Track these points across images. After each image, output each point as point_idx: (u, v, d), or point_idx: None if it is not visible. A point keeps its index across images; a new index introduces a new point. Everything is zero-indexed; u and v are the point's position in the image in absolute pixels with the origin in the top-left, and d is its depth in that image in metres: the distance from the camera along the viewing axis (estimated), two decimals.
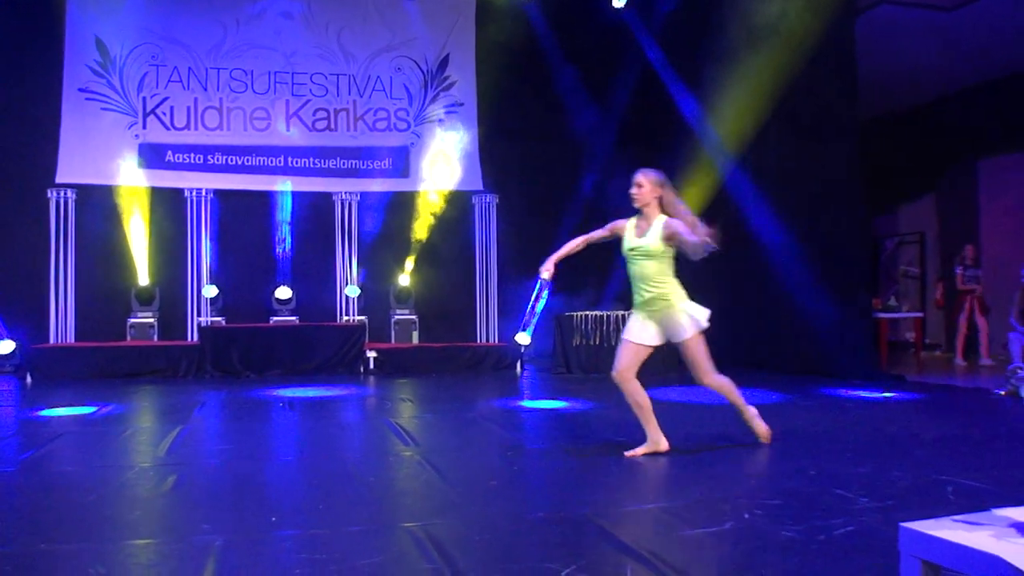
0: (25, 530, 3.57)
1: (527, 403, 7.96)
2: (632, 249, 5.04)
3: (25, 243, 11.64)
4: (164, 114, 12.45)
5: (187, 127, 12.51)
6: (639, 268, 5.04)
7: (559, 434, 6.22)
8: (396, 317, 12.52)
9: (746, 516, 3.57)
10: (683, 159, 11.46)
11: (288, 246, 12.47)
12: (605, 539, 3.30)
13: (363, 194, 12.79)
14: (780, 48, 9.83)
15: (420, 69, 13.28)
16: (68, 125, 12.03)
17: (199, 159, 12.49)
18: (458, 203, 13.06)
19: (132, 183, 12.08)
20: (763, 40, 10.07)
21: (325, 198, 12.70)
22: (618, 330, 10.30)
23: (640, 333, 5.10)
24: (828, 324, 9.53)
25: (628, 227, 5.12)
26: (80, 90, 12.11)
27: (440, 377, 10.52)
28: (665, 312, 5.03)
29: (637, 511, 3.71)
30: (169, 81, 12.50)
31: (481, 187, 13.16)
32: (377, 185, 12.96)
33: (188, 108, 12.55)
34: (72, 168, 11.97)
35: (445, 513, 3.84)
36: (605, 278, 12.30)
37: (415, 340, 12.30)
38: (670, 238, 4.94)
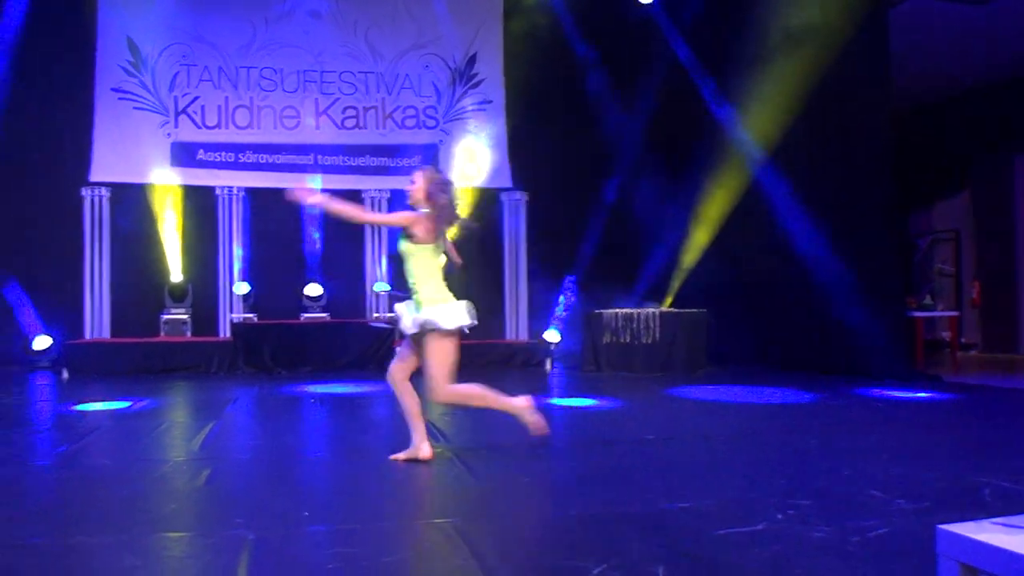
0: (61, 522, 3.62)
1: (557, 401, 7.94)
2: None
3: (60, 241, 11.79)
4: (195, 113, 12.56)
5: (218, 126, 12.61)
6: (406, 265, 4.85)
7: (589, 432, 6.21)
8: None
9: (779, 516, 3.54)
10: (712, 158, 11.39)
11: (318, 243, 12.54)
12: (636, 538, 3.28)
13: (393, 191, 12.83)
14: (811, 44, 9.73)
15: (448, 66, 13.30)
16: (101, 124, 12.16)
17: (230, 157, 12.57)
18: (487, 200, 13.06)
19: (164, 181, 12.18)
20: (793, 37, 9.98)
21: (355, 196, 12.73)
22: (649, 328, 10.26)
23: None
24: (861, 323, 9.42)
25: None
26: (113, 90, 12.24)
27: (469, 374, 10.50)
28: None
29: (668, 510, 3.69)
30: (200, 80, 12.60)
31: (510, 184, 13.16)
32: (407, 183, 12.95)
33: (219, 107, 12.64)
34: (106, 167, 12.10)
35: (475, 510, 3.84)
36: (636, 275, 12.27)
37: None
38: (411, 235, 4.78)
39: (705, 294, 11.25)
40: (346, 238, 12.62)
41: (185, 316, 11.82)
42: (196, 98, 12.55)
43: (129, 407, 7.34)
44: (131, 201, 12.00)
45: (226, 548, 3.17)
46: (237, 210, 12.36)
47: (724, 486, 4.18)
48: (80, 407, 7.36)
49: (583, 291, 12.44)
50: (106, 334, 11.79)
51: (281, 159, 12.67)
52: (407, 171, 12.93)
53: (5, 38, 11.43)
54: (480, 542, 3.20)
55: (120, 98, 12.26)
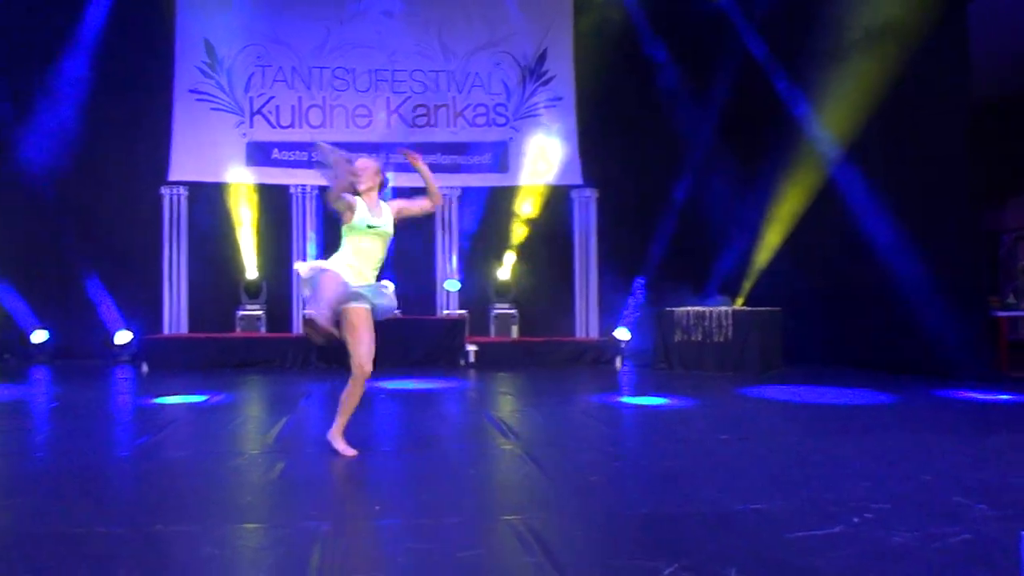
0: (140, 511, 3.71)
1: (627, 399, 7.89)
2: (372, 227, 5.15)
3: (140, 238, 12.13)
4: (270, 113, 12.79)
5: (292, 125, 12.83)
6: (375, 247, 5.21)
7: (660, 431, 6.15)
8: (496, 311, 12.57)
9: (855, 520, 3.46)
10: (786, 155, 11.19)
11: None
12: (708, 539, 3.24)
13: (464, 189, 12.90)
14: (887, 40, 9.49)
15: (518, 64, 13.30)
16: (179, 125, 12.49)
17: (304, 156, 12.77)
18: (557, 197, 13.04)
19: (240, 180, 12.46)
20: (870, 32, 9.74)
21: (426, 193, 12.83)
22: (721, 327, 10.11)
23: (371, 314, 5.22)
24: (941, 323, 9.15)
25: (360, 204, 5.18)
26: (190, 91, 12.55)
27: (539, 371, 10.52)
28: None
29: (741, 511, 3.63)
30: (274, 81, 12.84)
31: (580, 181, 13.12)
32: (477, 180, 13.04)
33: (293, 107, 12.86)
34: (184, 166, 12.42)
35: (545, 507, 3.83)
36: (707, 273, 12.12)
37: (515, 334, 12.33)
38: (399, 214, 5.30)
39: (778, 293, 11.06)
40: (417, 235, 12.71)
41: (260, 312, 12.07)
42: (271, 98, 12.80)
43: (206, 401, 7.51)
44: (208, 200, 12.29)
45: (300, 540, 3.22)
46: (311, 208, 12.57)
47: (799, 488, 4.10)
48: (158, 400, 7.55)
49: (653, 289, 12.34)
50: (184, 329, 12.09)
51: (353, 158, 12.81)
52: (478, 169, 13.08)
53: (87, 41, 11.81)
54: (551, 540, 3.19)
55: (197, 99, 12.56)
